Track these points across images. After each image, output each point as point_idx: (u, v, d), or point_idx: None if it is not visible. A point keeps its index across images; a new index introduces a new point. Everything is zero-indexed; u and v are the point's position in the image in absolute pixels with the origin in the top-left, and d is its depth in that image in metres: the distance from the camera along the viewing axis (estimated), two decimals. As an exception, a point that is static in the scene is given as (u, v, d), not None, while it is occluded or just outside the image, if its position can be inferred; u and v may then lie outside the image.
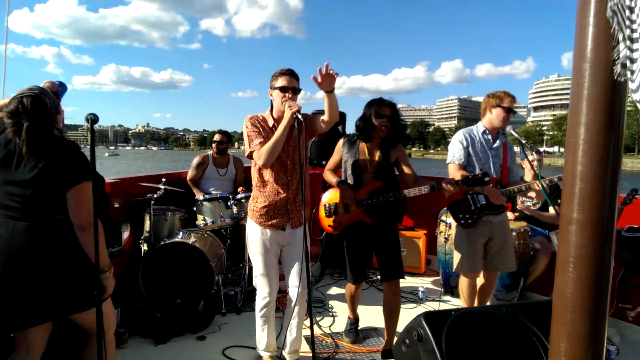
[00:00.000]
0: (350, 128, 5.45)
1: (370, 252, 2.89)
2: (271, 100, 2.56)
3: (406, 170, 2.85)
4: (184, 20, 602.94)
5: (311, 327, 2.26)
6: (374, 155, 2.83)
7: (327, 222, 2.92)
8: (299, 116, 2.28)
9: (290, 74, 2.46)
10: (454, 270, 3.11)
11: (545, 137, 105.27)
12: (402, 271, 2.87)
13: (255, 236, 2.54)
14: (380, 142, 2.83)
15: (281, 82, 2.44)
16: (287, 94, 2.42)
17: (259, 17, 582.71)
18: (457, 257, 3.02)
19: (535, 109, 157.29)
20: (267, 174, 2.51)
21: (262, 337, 2.64)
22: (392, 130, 2.78)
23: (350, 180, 2.83)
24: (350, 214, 2.81)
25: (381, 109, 2.74)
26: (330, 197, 2.95)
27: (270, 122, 2.50)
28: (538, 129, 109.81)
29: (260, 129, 2.47)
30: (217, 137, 4.58)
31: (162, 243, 3.51)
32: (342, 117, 4.65)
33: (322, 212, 2.97)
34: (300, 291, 2.50)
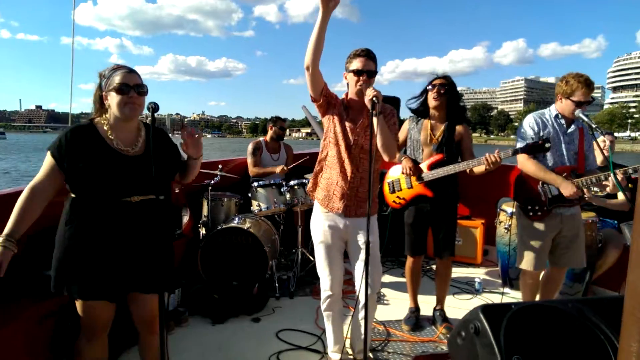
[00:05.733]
0: (404, 113, 5.33)
1: (427, 227, 2.96)
2: (347, 83, 2.35)
3: (464, 151, 2.87)
4: (237, 8, 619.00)
5: (365, 315, 2.18)
6: (436, 131, 2.87)
7: (391, 198, 3.01)
8: (377, 103, 2.04)
9: (366, 54, 2.21)
10: (516, 266, 2.89)
11: (629, 121, 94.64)
12: (454, 249, 2.99)
13: (315, 222, 2.41)
14: (445, 118, 2.86)
15: (356, 64, 2.20)
16: (362, 78, 2.18)
17: (311, 1, 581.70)
18: (520, 251, 2.83)
19: (615, 89, 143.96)
20: (333, 151, 2.29)
21: (328, 336, 2.48)
22: (449, 101, 2.83)
23: (413, 156, 2.90)
24: (413, 188, 2.88)
25: (432, 81, 2.84)
26: (393, 173, 3.03)
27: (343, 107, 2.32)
28: (624, 111, 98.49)
29: (334, 100, 2.30)
30: (280, 124, 4.61)
31: (219, 228, 3.65)
32: (397, 102, 4.57)
33: (386, 189, 3.05)
34: (369, 292, 2.23)
